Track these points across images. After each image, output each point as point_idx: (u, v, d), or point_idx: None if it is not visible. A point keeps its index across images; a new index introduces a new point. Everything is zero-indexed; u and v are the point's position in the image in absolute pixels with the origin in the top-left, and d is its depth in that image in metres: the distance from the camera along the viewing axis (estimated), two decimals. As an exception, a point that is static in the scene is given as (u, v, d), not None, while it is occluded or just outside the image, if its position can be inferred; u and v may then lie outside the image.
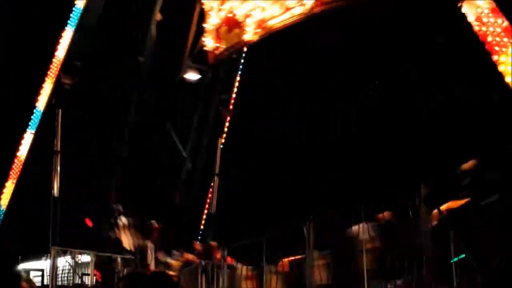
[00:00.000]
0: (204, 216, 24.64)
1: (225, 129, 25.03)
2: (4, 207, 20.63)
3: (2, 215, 20.52)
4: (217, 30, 22.07)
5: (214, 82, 25.08)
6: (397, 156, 21.08)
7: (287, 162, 24.54)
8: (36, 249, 21.86)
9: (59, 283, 18.88)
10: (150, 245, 16.03)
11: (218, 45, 22.07)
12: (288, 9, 20.39)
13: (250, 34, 21.37)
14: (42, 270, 21.73)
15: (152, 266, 15.88)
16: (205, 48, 22.55)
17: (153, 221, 17.46)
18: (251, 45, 23.06)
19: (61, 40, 23.44)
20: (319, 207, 18.93)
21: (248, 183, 24.62)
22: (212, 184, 24.50)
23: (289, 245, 15.92)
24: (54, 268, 17.97)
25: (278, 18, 20.69)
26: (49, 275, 17.86)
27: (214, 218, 23.94)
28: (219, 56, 22.35)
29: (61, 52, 23.31)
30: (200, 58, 23.46)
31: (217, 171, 24.61)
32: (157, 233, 17.57)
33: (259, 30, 21.12)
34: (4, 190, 21.08)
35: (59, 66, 23.18)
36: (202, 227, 24.52)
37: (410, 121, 21.34)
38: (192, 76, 24.23)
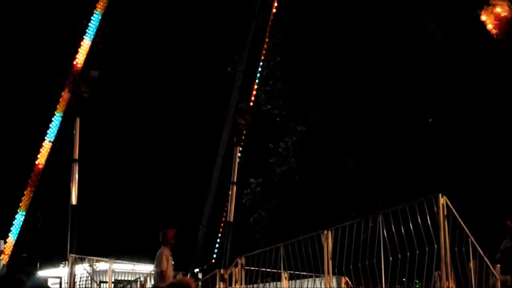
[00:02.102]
0: (222, 224, 24.63)
1: (243, 138, 25.02)
2: (23, 215, 20.70)
3: (21, 223, 20.60)
4: None
5: (232, 91, 25.09)
6: (416, 165, 21.05)
7: (306, 172, 24.58)
8: (54, 256, 21.98)
9: (77, 290, 18.98)
10: (166, 252, 15.97)
11: None
12: None
13: None
14: (60, 278, 21.81)
15: (170, 273, 15.85)
16: None
17: (169, 229, 17.44)
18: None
19: (79, 49, 23.58)
20: (339, 215, 18.92)
21: (267, 191, 24.65)
22: (229, 192, 24.49)
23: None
24: (71, 275, 18.06)
25: None
26: (67, 282, 17.94)
27: (232, 227, 23.92)
28: None
29: (79, 61, 23.46)
30: None
31: (234, 179, 24.59)
32: (173, 240, 17.52)
33: None
34: (23, 198, 21.16)
35: (77, 75, 23.29)
36: (219, 235, 24.52)
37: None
38: None
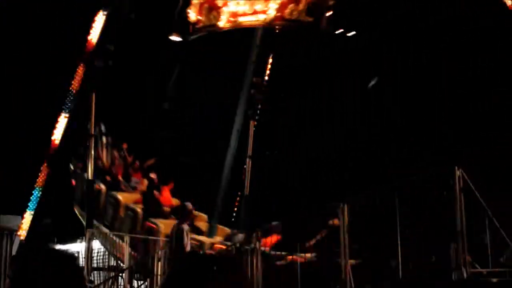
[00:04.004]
0: (237, 198, 24.64)
1: (258, 112, 24.92)
2: (39, 190, 20.85)
3: (38, 198, 20.75)
4: (201, 5, 21.99)
5: (246, 64, 24.88)
6: (430, 138, 20.91)
7: (322, 145, 24.50)
8: (71, 231, 22.12)
9: (94, 265, 19.10)
10: (186, 227, 16.03)
11: (199, 18, 22.07)
12: (255, 12, 21.71)
13: (222, 22, 22.05)
14: (78, 252, 21.94)
15: (189, 249, 15.90)
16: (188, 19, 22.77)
17: (188, 203, 17.48)
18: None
19: (94, 24, 23.56)
20: (354, 188, 18.85)
21: (281, 165, 24.60)
22: (245, 166, 24.46)
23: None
24: (89, 250, 18.18)
25: (247, 17, 21.95)
26: (84, 257, 18.07)
27: (247, 200, 23.92)
28: (198, 31, 22.43)
29: (94, 35, 23.44)
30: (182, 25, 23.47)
31: (249, 153, 24.55)
32: (193, 215, 17.60)
33: (230, 21, 21.99)
34: (40, 173, 21.29)
35: (92, 49, 23.31)
36: (235, 209, 24.55)
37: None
38: (175, 38, 24.12)
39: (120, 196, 21.72)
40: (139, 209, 20.64)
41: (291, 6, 21.63)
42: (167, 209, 21.48)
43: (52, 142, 22.46)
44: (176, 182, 22.13)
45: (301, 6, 21.59)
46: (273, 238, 16.58)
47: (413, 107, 21.95)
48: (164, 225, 20.85)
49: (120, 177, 22.66)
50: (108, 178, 22.55)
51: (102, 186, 22.20)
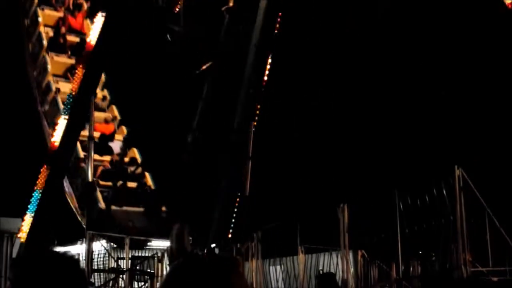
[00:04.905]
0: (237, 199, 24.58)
1: (257, 112, 24.80)
2: (39, 192, 20.82)
3: (38, 200, 20.72)
4: None
5: (244, 63, 24.83)
6: (432, 139, 20.95)
7: (322, 145, 24.49)
8: (72, 233, 22.13)
9: (95, 267, 19.12)
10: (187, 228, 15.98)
11: None
12: None
13: None
14: (78, 254, 21.94)
15: (189, 249, 15.87)
16: None
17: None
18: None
19: (92, 26, 23.51)
20: (354, 191, 18.86)
21: (281, 166, 24.59)
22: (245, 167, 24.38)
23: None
24: (89, 252, 18.19)
25: None
26: (84, 259, 18.09)
27: (247, 201, 23.87)
28: None
29: (93, 38, 23.39)
30: None
31: (249, 154, 24.46)
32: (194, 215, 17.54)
33: None
34: (40, 176, 21.25)
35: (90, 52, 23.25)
36: (235, 210, 24.49)
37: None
38: None
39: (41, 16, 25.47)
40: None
41: None
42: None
43: (51, 144, 22.42)
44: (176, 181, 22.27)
45: None
46: None
47: (413, 106, 21.97)
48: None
49: None
50: None
51: None
